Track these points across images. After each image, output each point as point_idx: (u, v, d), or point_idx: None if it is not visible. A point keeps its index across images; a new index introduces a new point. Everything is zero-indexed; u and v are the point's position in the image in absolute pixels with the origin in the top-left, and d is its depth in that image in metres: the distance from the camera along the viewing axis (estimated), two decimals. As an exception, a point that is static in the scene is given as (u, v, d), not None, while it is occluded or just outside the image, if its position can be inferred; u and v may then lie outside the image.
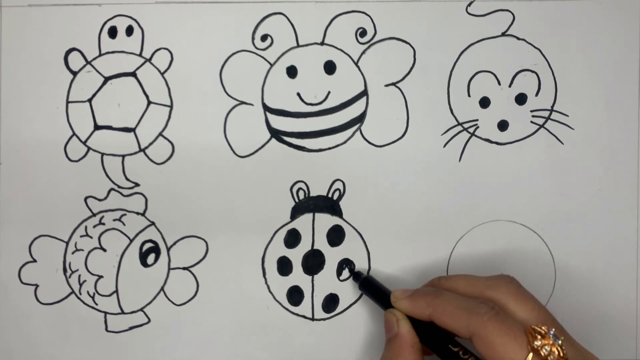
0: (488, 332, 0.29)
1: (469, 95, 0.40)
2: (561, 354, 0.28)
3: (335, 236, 0.39)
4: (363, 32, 0.39)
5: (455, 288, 0.34)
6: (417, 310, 0.33)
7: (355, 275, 0.39)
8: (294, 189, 0.39)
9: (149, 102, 0.39)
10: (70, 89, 0.39)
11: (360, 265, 0.39)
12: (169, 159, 0.39)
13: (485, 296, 0.32)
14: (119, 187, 0.39)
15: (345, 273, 0.39)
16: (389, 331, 0.34)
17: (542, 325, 0.30)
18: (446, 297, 0.32)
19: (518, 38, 0.40)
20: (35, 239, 0.39)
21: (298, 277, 0.39)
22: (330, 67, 0.39)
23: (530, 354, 0.28)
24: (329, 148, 0.40)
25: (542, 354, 0.28)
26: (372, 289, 0.37)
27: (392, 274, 0.39)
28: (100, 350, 0.39)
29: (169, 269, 0.39)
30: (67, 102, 0.39)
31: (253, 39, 0.39)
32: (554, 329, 0.29)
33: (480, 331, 0.29)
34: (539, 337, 0.29)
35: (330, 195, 0.40)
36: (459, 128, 0.40)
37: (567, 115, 0.40)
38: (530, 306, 0.31)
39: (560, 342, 0.29)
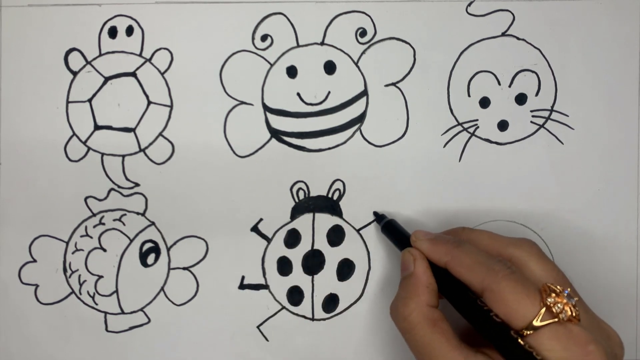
0: (501, 288, 0.29)
1: (469, 95, 0.40)
2: (573, 314, 0.28)
3: (335, 236, 0.39)
4: (363, 32, 0.39)
5: (477, 241, 0.33)
6: (435, 255, 0.33)
7: (379, 218, 0.39)
8: (294, 189, 0.39)
9: (149, 102, 0.39)
10: (70, 89, 0.39)
11: (360, 265, 0.39)
12: (169, 159, 0.39)
13: (506, 253, 0.32)
14: (119, 187, 0.39)
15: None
16: (405, 269, 0.33)
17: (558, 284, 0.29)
18: (466, 249, 0.32)
19: (518, 38, 0.40)
20: (35, 239, 0.39)
21: (298, 277, 0.39)
22: (330, 67, 0.39)
23: (543, 309, 0.28)
24: (329, 148, 0.40)
25: (554, 310, 0.28)
26: (393, 231, 0.37)
27: (392, 274, 0.39)
28: (100, 350, 0.39)
29: (169, 269, 0.39)
30: (67, 102, 0.39)
31: (253, 39, 0.39)
32: (569, 289, 0.29)
33: (493, 287, 0.29)
34: (553, 294, 0.28)
35: (330, 195, 0.40)
36: (459, 128, 0.40)
37: (567, 115, 0.40)
38: (550, 267, 0.31)
39: (574, 301, 0.28)
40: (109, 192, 0.39)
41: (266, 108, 0.40)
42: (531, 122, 0.40)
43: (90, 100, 0.39)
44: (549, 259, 0.32)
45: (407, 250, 0.34)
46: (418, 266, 0.33)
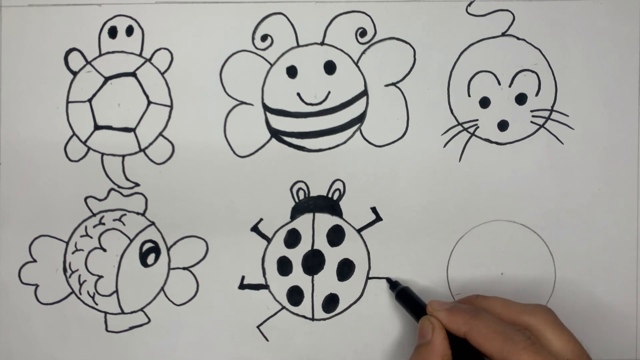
0: None
1: (469, 95, 0.40)
2: None
3: (335, 236, 0.39)
4: (363, 32, 0.39)
5: (492, 309, 0.33)
6: (453, 325, 0.33)
7: (392, 285, 0.39)
8: (294, 189, 0.39)
9: (149, 102, 0.39)
10: (70, 89, 0.39)
11: (360, 265, 0.39)
12: (169, 159, 0.39)
13: (522, 321, 0.32)
14: (119, 187, 0.39)
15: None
16: (422, 337, 0.33)
17: (577, 359, 0.29)
18: (484, 318, 0.32)
19: (518, 38, 0.40)
20: (35, 239, 0.39)
21: (298, 277, 0.39)
22: (330, 67, 0.39)
23: None
24: (329, 148, 0.40)
25: None
26: (408, 300, 0.37)
27: (392, 274, 0.39)
28: (100, 350, 0.39)
29: (169, 269, 0.39)
30: (67, 102, 0.39)
31: (253, 39, 0.39)
32: None
33: (514, 358, 0.29)
34: None
35: (330, 195, 0.40)
36: (459, 128, 0.40)
37: (567, 115, 0.40)
38: (566, 338, 0.31)
39: None
40: (109, 192, 0.39)
41: (266, 108, 0.40)
42: (531, 122, 0.40)
43: (90, 100, 0.39)
44: (566, 328, 0.32)
45: (426, 318, 0.34)
46: (436, 336, 0.33)
